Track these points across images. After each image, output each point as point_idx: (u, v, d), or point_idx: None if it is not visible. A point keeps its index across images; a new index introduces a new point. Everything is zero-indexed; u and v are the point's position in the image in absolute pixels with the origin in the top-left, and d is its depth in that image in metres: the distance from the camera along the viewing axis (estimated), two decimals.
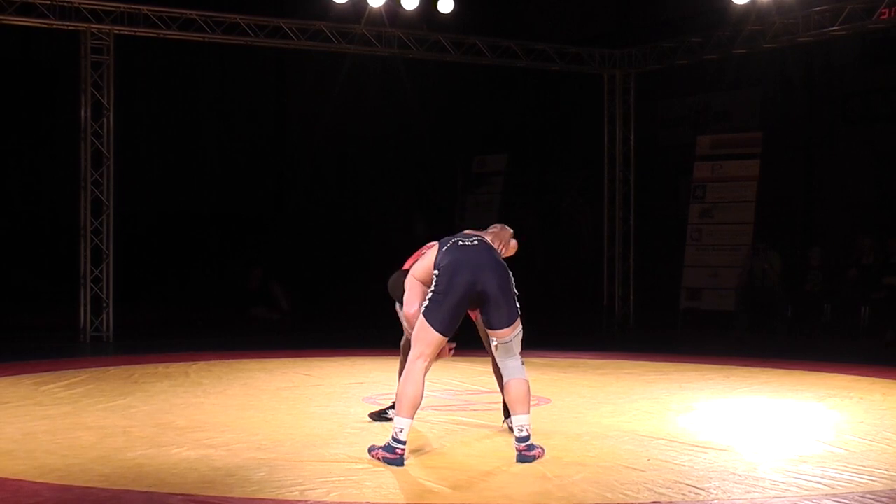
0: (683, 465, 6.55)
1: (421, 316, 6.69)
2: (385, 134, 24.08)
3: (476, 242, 6.82)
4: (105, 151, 15.60)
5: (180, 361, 11.97)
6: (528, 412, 6.72)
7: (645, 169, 19.22)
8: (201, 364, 11.77)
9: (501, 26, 21.56)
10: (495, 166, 22.52)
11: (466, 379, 10.88)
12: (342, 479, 6.16)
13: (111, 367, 11.75)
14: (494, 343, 6.82)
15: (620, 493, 5.80)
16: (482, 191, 22.51)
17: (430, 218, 24.65)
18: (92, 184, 15.54)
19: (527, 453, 6.60)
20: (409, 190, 24.99)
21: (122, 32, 15.80)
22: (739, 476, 6.26)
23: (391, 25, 16.84)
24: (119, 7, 15.64)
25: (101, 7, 15.56)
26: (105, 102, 15.59)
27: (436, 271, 6.74)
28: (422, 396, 6.62)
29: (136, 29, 15.87)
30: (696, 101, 20.99)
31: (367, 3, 15.86)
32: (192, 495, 5.77)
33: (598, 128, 19.10)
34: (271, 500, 5.73)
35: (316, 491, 5.88)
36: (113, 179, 15.62)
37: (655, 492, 5.86)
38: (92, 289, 15.49)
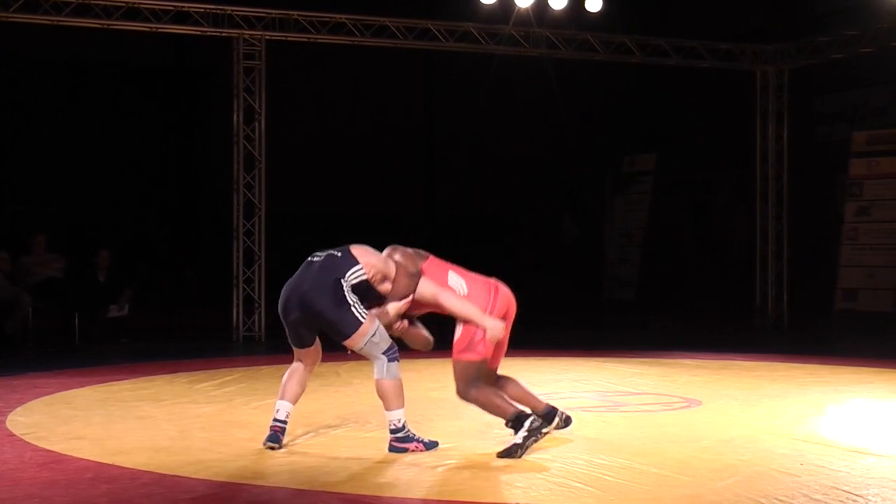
0: (840, 471, 6.37)
1: None
2: (533, 134, 24.03)
3: (321, 257, 7.06)
4: (257, 155, 15.89)
5: (330, 361, 12.05)
6: (392, 408, 6.92)
7: (799, 166, 18.82)
8: (351, 364, 11.85)
9: (650, 24, 21.32)
10: (645, 166, 22.30)
11: (617, 380, 10.80)
12: (488, 480, 6.15)
13: (263, 367, 11.97)
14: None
15: (774, 499, 5.67)
16: (632, 190, 22.31)
17: (579, 218, 24.53)
18: (244, 186, 15.84)
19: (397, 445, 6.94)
20: (558, 190, 24.89)
21: (273, 38, 16.07)
22: None
23: (539, 25, 16.79)
24: (270, 13, 15.92)
25: (252, 13, 15.86)
26: (256, 107, 15.88)
27: None
28: (298, 387, 7.22)
29: (286, 34, 16.13)
30: (853, 96, 20.44)
31: (514, 4, 15.84)
32: (345, 494, 5.83)
33: (750, 125, 18.77)
34: (420, 500, 5.76)
35: (463, 492, 5.89)
36: (265, 182, 15.90)
37: (811, 498, 5.71)
38: (244, 289, 15.79)
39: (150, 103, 23.39)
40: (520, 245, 23.37)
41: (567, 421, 7.37)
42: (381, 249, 7.21)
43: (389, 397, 6.91)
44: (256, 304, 15.77)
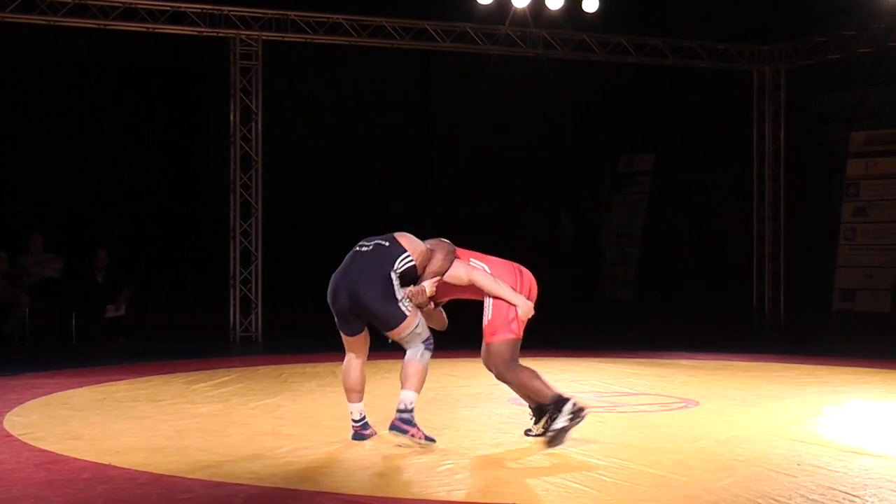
0: (837, 471, 6.37)
1: None
2: (531, 134, 24.05)
3: (369, 247, 7.10)
4: (253, 155, 15.86)
5: (328, 361, 12.09)
6: (410, 388, 7.06)
7: (796, 167, 18.82)
8: None
9: (647, 24, 21.34)
10: (643, 166, 22.32)
11: (614, 380, 10.79)
12: (485, 480, 6.15)
13: (260, 367, 11.96)
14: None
15: (771, 499, 5.67)
16: (629, 191, 22.32)
17: (577, 219, 24.55)
18: (241, 187, 15.82)
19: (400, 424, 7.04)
20: (555, 191, 24.92)
21: (270, 38, 16.06)
22: None
23: (535, 25, 16.78)
24: (267, 14, 15.90)
25: (249, 14, 15.84)
26: (253, 107, 15.86)
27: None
28: (358, 382, 7.28)
29: (283, 34, 16.11)
30: (851, 96, 20.45)
31: (511, 4, 15.83)
32: (341, 493, 5.82)
33: (747, 125, 18.78)
34: (419, 500, 5.75)
35: (460, 492, 5.88)
36: (261, 182, 15.88)
37: (808, 498, 5.71)
38: (241, 290, 15.77)
39: (147, 103, 23.43)
40: (517, 245, 23.39)
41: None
42: None
43: (412, 378, 7.07)
44: (253, 305, 15.75)
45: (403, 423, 7.00)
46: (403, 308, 6.98)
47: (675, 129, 23.52)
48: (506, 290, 7.15)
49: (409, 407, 7.03)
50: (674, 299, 20.96)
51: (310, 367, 11.77)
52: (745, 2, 21.99)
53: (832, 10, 19.41)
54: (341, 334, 7.25)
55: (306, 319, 18.51)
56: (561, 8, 15.96)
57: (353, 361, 7.32)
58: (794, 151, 18.74)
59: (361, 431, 7.33)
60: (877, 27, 16.50)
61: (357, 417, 7.34)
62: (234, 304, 15.73)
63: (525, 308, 7.14)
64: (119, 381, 10.61)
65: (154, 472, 6.34)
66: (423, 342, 7.12)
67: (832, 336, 16.97)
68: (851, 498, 5.73)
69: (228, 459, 6.74)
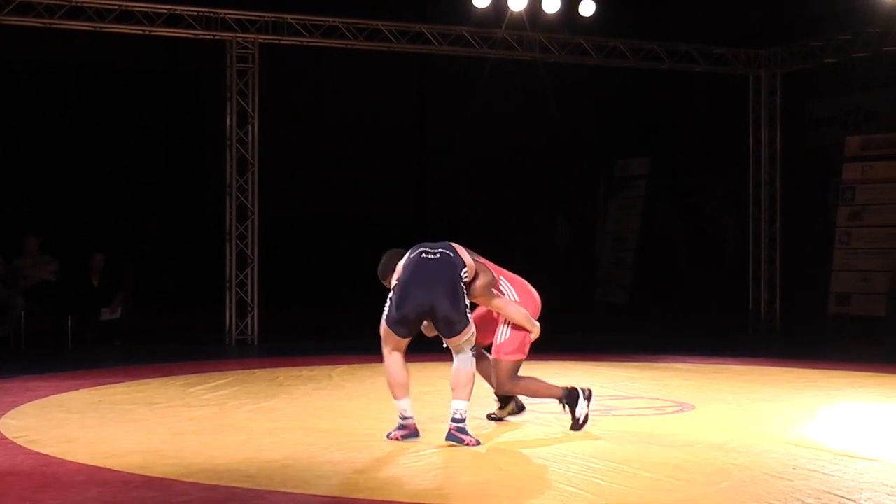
0: (832, 475, 6.38)
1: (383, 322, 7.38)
2: (527, 138, 24.03)
3: (437, 255, 7.32)
4: (250, 158, 15.85)
5: (323, 365, 12.11)
6: (462, 398, 7.30)
7: (792, 171, 18.82)
8: (344, 367, 11.89)
9: (644, 28, 21.35)
10: (638, 169, 22.31)
11: (610, 384, 10.80)
12: (481, 483, 6.15)
13: (256, 370, 11.95)
14: (444, 345, 7.44)
15: (766, 503, 5.68)
16: (625, 194, 22.31)
17: (572, 222, 24.53)
18: (237, 190, 15.81)
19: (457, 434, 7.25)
20: (551, 194, 24.91)
21: (266, 41, 16.05)
22: (892, 488, 6.07)
23: (532, 29, 16.79)
24: (263, 17, 15.90)
25: (245, 17, 15.84)
26: (250, 110, 15.85)
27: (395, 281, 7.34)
28: (405, 376, 7.43)
29: (280, 37, 16.11)
30: (846, 100, 20.46)
31: (507, 7, 15.83)
32: (337, 497, 5.82)
33: (743, 129, 18.79)
34: (411, 503, 5.75)
35: (456, 494, 5.89)
36: (258, 185, 15.86)
37: (803, 502, 5.71)
38: (237, 293, 15.76)
39: (143, 106, 23.41)
40: (513, 248, 23.38)
41: (521, 408, 8.37)
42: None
43: (464, 387, 7.30)
44: (249, 308, 15.74)
45: (460, 432, 7.22)
46: (469, 317, 7.26)
47: (670, 132, 23.49)
48: (527, 319, 7.66)
49: (463, 416, 7.25)
50: (669, 303, 20.96)
51: (306, 371, 11.76)
52: (740, 6, 21.98)
53: (827, 15, 19.40)
54: (392, 334, 7.34)
55: (302, 322, 18.56)
56: (557, 12, 15.97)
57: (399, 358, 7.45)
58: (790, 155, 18.75)
59: (416, 427, 7.44)
60: (872, 31, 16.51)
61: (410, 413, 7.44)
62: (230, 307, 15.71)
63: (538, 332, 7.73)
64: (115, 384, 10.61)
65: (150, 475, 6.34)
66: (472, 349, 7.35)
67: (828, 340, 16.96)
68: (847, 502, 5.74)
69: (224, 462, 6.74)
